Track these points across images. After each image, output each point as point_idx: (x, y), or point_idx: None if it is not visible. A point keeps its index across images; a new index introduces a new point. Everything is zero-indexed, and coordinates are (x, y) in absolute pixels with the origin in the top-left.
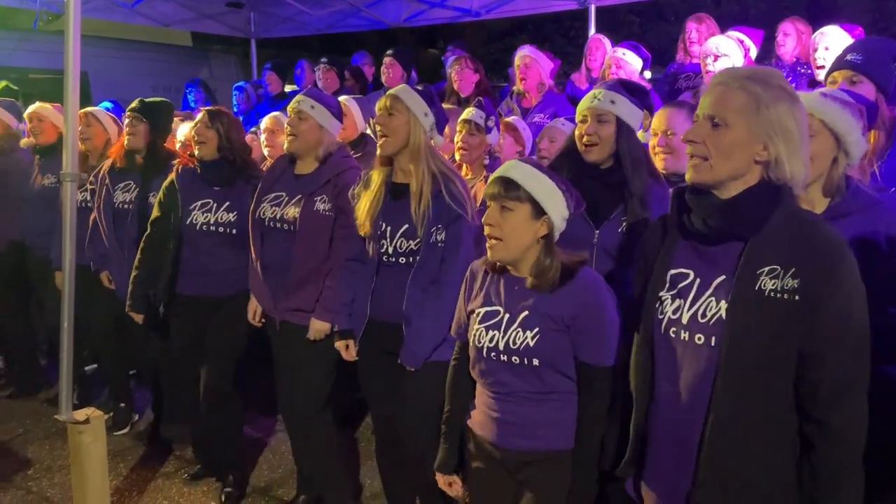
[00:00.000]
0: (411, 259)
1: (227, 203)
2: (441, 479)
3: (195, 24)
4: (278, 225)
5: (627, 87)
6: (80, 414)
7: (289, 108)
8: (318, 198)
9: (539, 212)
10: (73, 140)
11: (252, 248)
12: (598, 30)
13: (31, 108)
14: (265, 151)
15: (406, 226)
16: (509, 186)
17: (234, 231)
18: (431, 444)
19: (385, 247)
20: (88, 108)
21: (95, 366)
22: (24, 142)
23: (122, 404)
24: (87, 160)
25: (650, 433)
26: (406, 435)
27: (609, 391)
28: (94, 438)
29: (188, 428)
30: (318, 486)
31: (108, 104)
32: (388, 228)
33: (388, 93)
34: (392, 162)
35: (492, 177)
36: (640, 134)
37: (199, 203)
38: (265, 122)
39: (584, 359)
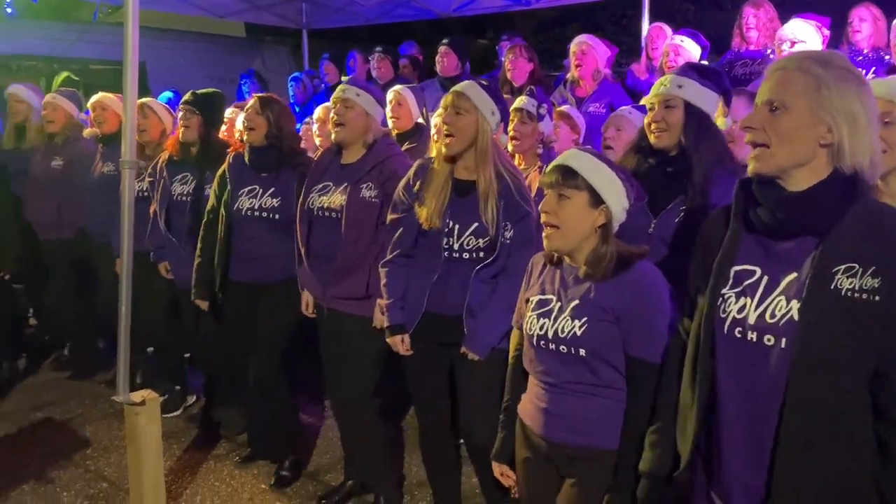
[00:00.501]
0: (475, 255)
1: (273, 189)
2: (496, 468)
3: (248, 14)
4: (325, 213)
5: (699, 71)
6: (137, 396)
7: (333, 98)
8: (364, 185)
9: (597, 201)
10: (131, 129)
11: (298, 237)
12: (652, 19)
13: (94, 98)
14: (317, 142)
15: (475, 224)
16: (567, 174)
17: (276, 216)
18: (492, 432)
19: (450, 243)
20: (144, 100)
21: (152, 349)
22: (87, 131)
23: (177, 387)
24: (143, 150)
25: (714, 436)
26: (467, 424)
27: (654, 389)
28: (150, 420)
29: (238, 411)
30: (363, 473)
31: (169, 94)
32: (456, 226)
33: (453, 90)
34: (455, 159)
35: (550, 165)
36: (720, 120)
37: (246, 189)
38: (318, 112)
39: (633, 354)
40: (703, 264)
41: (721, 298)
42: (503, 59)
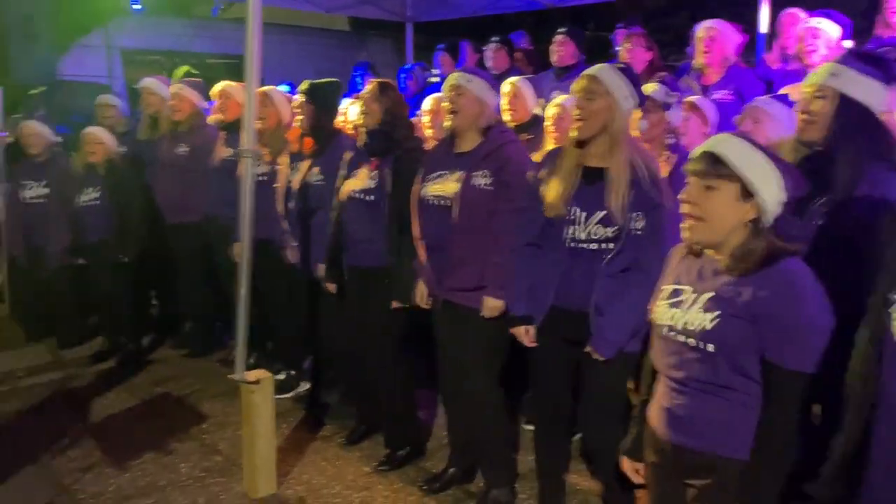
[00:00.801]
0: (603, 245)
1: (375, 172)
2: (627, 464)
3: (354, 8)
4: (438, 202)
5: (860, 58)
6: (252, 375)
7: (444, 86)
8: (479, 172)
9: (748, 193)
10: (251, 119)
11: (414, 227)
12: (775, 6)
13: (218, 86)
14: (428, 133)
15: (603, 213)
16: (715, 163)
17: (371, 198)
18: (614, 435)
19: (575, 232)
20: (265, 88)
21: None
22: (211, 118)
23: (292, 371)
24: (261, 137)
25: (875, 451)
26: (589, 426)
27: (800, 402)
28: (264, 399)
29: (345, 393)
30: (482, 468)
31: (285, 87)
32: (583, 214)
33: (586, 73)
34: (585, 144)
35: (696, 150)
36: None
37: (356, 172)
38: (427, 103)
39: (770, 357)
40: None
41: (892, 304)
42: (619, 48)
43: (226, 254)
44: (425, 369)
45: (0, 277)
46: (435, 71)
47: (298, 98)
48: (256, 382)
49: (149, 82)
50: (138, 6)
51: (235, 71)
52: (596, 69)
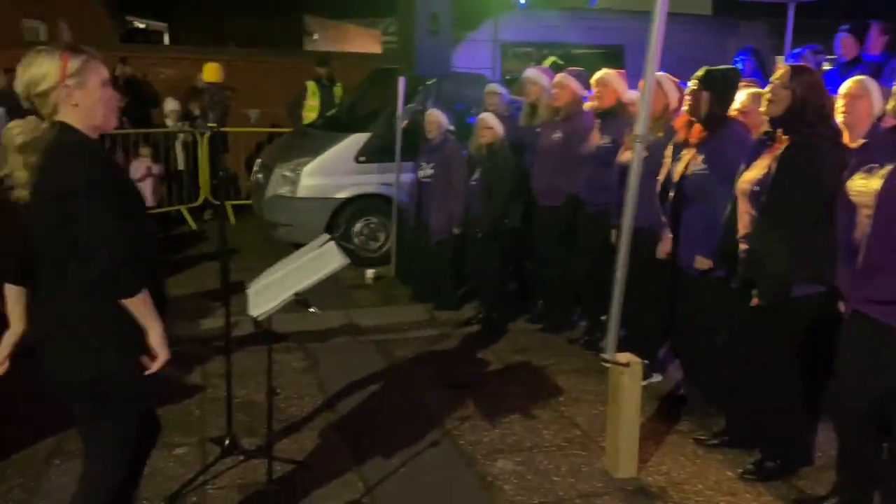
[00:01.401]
0: None
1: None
2: None
3: None
4: (860, 199)
5: None
6: (622, 357)
7: None
8: None
9: None
10: (647, 105)
11: (834, 225)
12: None
13: (598, 74)
14: (839, 118)
15: None
16: None
17: (756, 189)
18: None
19: None
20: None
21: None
22: (587, 105)
23: (646, 361)
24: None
25: None
26: None
27: None
28: (632, 381)
29: (705, 390)
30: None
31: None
32: None
33: None
34: None
35: None
36: None
37: (755, 163)
38: (847, 85)
39: None
40: None
41: None
42: None
43: (592, 238)
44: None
45: (389, 244)
46: (832, 56)
47: (692, 84)
48: (626, 365)
49: (531, 72)
50: (523, 1)
51: (601, 61)
52: None
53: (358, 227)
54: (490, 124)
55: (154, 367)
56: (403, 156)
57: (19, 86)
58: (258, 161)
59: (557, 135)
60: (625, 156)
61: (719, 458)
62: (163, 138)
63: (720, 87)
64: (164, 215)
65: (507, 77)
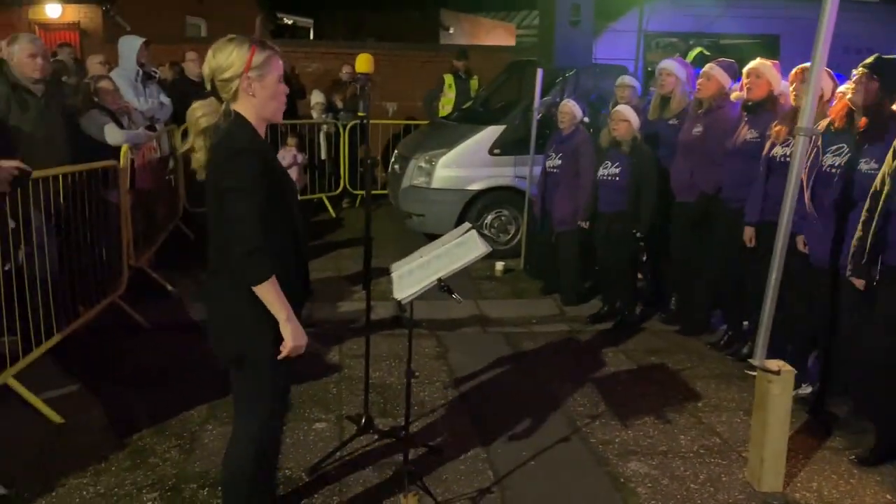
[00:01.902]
0: None
1: None
2: None
3: None
4: None
5: None
6: (773, 364)
7: None
8: None
9: None
10: (814, 96)
11: None
12: None
13: (751, 64)
14: None
15: None
16: None
17: None
18: None
19: None
20: (805, 65)
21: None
22: (734, 95)
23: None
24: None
25: None
26: None
27: None
28: (782, 391)
29: (859, 404)
30: None
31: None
32: None
33: None
34: None
35: None
36: None
37: None
38: None
39: None
40: None
41: None
42: None
43: (720, 233)
44: None
45: (519, 237)
46: None
47: (859, 72)
48: (777, 372)
49: (668, 64)
50: None
51: (753, 51)
52: None
53: (489, 219)
54: (626, 117)
55: (283, 352)
56: (538, 149)
57: (206, 68)
58: (395, 152)
59: (698, 129)
60: (776, 150)
61: (877, 480)
62: (308, 129)
63: (891, 76)
64: (307, 203)
65: (650, 69)
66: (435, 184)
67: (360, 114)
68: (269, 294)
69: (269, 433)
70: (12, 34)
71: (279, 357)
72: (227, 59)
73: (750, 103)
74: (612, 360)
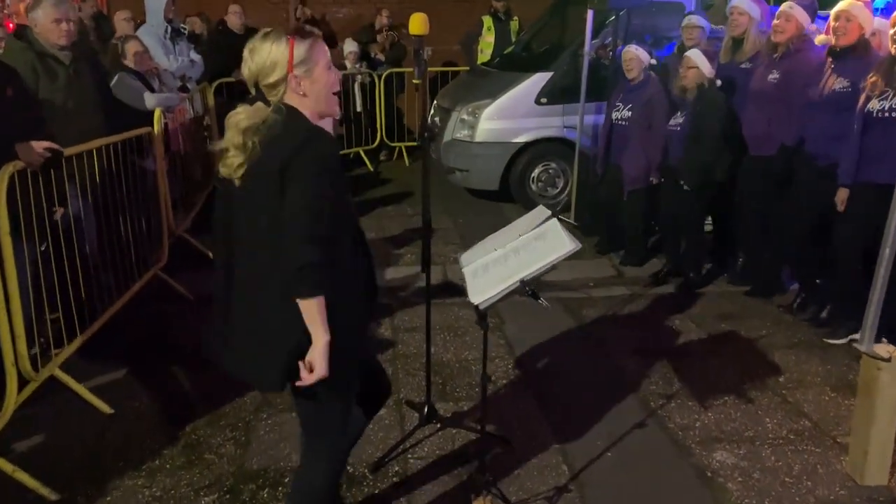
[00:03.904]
0: None
1: None
2: None
3: None
4: None
5: None
6: (882, 349)
7: None
8: None
9: None
10: None
11: None
12: None
13: (841, 5)
14: None
15: None
16: None
17: None
18: None
19: None
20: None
21: None
22: (819, 39)
23: None
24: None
25: None
26: None
27: None
28: (893, 379)
29: None
30: None
31: None
32: None
33: None
34: None
35: None
36: None
37: None
38: None
39: None
40: None
41: None
42: None
43: (816, 194)
44: None
45: (568, 191)
46: None
47: None
48: (888, 360)
49: (739, 1)
50: None
51: None
52: None
53: (536, 172)
54: (695, 63)
55: (307, 379)
56: (589, 96)
57: (246, 71)
58: (434, 103)
59: (774, 76)
60: (872, 104)
61: None
62: (341, 80)
63: None
64: (343, 157)
65: (706, 8)
66: (479, 137)
67: (415, 81)
68: (315, 311)
69: (342, 452)
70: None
71: (298, 384)
72: (268, 59)
73: (838, 49)
74: (680, 328)
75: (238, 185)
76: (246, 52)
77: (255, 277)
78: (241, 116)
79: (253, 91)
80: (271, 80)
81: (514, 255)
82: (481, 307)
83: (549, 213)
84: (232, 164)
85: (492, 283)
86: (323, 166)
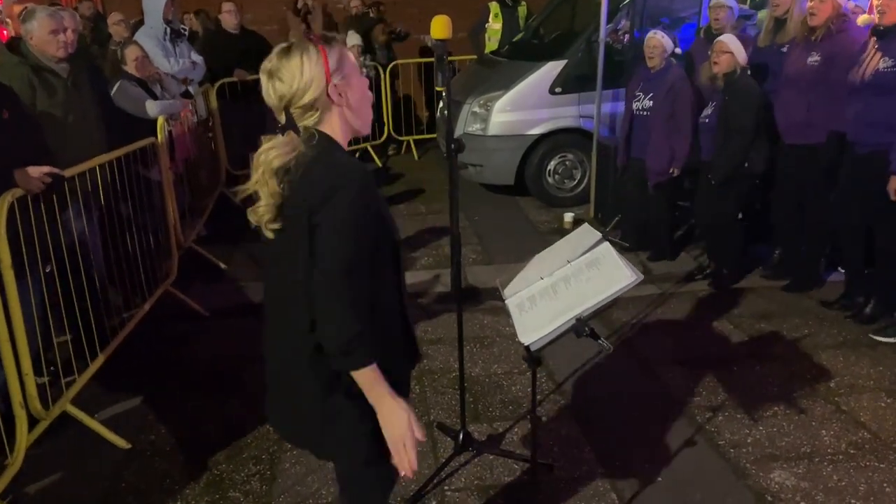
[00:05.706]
0: None
1: None
2: None
3: None
4: None
5: None
6: None
7: None
8: None
9: None
10: None
11: None
12: None
13: None
14: None
15: None
16: None
17: None
18: None
19: None
20: None
21: None
22: (862, 19)
23: None
24: None
25: None
26: None
27: None
28: None
29: None
30: None
31: None
32: None
33: None
34: None
35: None
36: None
37: None
38: None
39: None
40: None
41: None
42: None
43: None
44: None
45: (586, 183)
46: None
47: None
48: None
49: None
50: None
51: None
52: None
53: (552, 164)
54: (728, 48)
55: (402, 456)
56: (605, 83)
57: (271, 98)
58: (443, 94)
59: (814, 58)
60: None
61: None
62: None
63: None
64: (350, 154)
65: None
66: (492, 130)
67: (437, 88)
68: (372, 378)
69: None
70: (27, 8)
71: (389, 460)
72: (302, 77)
73: (881, 28)
74: (718, 331)
75: (269, 237)
76: (264, 78)
77: (282, 322)
78: (272, 154)
79: (282, 119)
80: (307, 99)
81: (565, 286)
82: (533, 348)
83: (598, 235)
84: (262, 216)
85: (543, 320)
86: (360, 209)
